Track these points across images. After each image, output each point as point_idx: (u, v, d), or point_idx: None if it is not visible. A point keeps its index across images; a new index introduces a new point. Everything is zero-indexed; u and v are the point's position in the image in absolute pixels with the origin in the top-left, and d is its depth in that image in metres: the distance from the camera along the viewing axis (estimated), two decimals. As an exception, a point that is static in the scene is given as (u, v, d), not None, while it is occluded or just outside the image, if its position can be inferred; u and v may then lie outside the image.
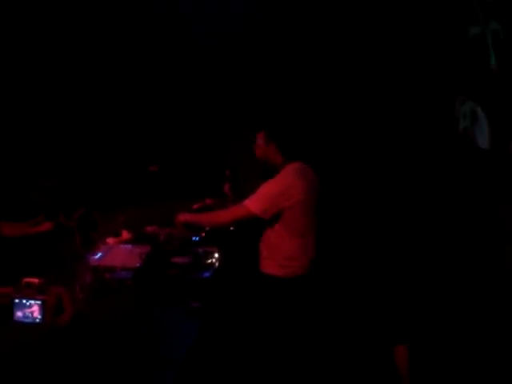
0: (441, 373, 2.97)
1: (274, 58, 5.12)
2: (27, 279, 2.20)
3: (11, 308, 1.56)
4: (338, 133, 4.97)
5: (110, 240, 3.40)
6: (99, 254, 3.10)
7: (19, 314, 1.56)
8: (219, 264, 3.08)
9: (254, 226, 3.16)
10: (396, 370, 3.10)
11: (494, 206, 3.61)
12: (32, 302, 1.55)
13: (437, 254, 3.58)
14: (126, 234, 3.51)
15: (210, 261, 3.09)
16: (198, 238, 3.52)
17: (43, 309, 1.54)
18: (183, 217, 3.22)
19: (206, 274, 2.92)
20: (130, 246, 3.30)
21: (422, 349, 3.08)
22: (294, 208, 2.96)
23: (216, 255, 3.15)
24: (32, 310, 1.55)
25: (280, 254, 3.04)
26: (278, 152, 3.11)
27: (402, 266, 3.58)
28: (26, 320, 1.55)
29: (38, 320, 1.54)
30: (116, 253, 3.17)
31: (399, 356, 3.11)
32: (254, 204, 2.97)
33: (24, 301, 1.55)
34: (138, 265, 2.97)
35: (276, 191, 2.98)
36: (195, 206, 4.09)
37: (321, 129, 4.95)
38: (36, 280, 2.18)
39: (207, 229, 3.63)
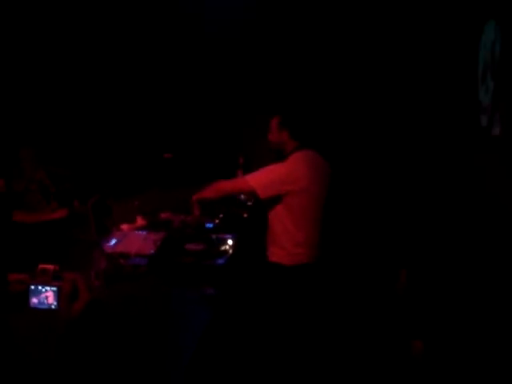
0: (453, 366, 2.98)
1: (291, 45, 5.09)
2: (43, 265, 2.22)
3: (27, 294, 1.58)
4: (351, 122, 4.94)
5: (125, 226, 3.41)
6: (114, 241, 3.12)
7: (35, 300, 1.57)
8: (233, 251, 3.08)
9: (267, 213, 3.16)
10: (411, 363, 3.12)
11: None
12: (47, 288, 1.56)
13: (449, 252, 3.55)
14: (140, 221, 3.53)
15: (223, 248, 3.10)
16: (212, 225, 3.53)
17: (58, 295, 1.55)
18: (195, 196, 3.25)
19: (220, 261, 2.93)
20: (144, 233, 3.32)
21: (437, 343, 3.08)
22: (300, 195, 2.95)
23: (230, 242, 3.15)
24: (47, 296, 1.56)
25: (286, 242, 3.03)
26: (290, 138, 3.10)
27: (414, 258, 3.56)
28: (42, 306, 1.56)
29: (53, 306, 1.55)
30: (130, 239, 3.19)
31: (415, 350, 3.13)
32: (254, 180, 2.97)
33: (39, 287, 1.56)
34: (152, 251, 2.99)
35: (279, 173, 2.97)
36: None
37: (334, 118, 4.92)
38: (51, 266, 2.21)
39: (221, 215, 3.64)
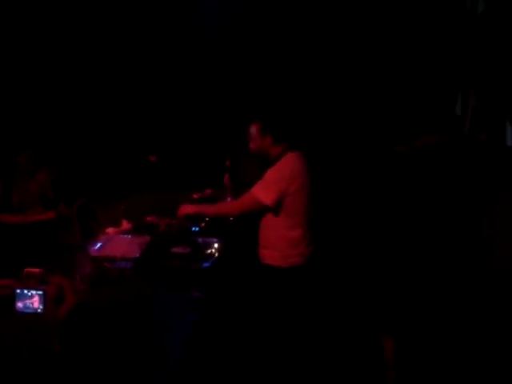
0: (424, 363, 3.03)
1: (270, 50, 5.13)
2: (28, 269, 2.21)
3: (13, 299, 1.57)
4: (333, 122, 4.97)
5: (110, 230, 3.40)
6: (99, 244, 3.10)
7: (20, 304, 1.56)
8: (219, 254, 3.08)
9: (254, 216, 3.16)
10: (383, 360, 3.17)
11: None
12: (33, 292, 1.55)
13: (425, 253, 3.60)
14: (125, 224, 3.51)
15: (209, 251, 3.10)
16: (197, 229, 3.52)
17: (44, 299, 1.54)
18: (187, 209, 3.21)
19: (206, 264, 2.93)
20: (129, 236, 3.31)
21: (408, 341, 3.14)
22: (296, 195, 2.96)
23: (216, 245, 3.15)
24: (33, 300, 1.55)
25: (281, 243, 3.03)
26: (273, 143, 3.09)
27: (393, 263, 3.60)
28: (27, 310, 1.56)
29: (39, 310, 1.55)
30: (116, 243, 3.17)
31: (386, 347, 3.19)
32: (263, 194, 2.95)
33: (25, 291, 1.56)
34: (137, 255, 2.98)
35: (281, 177, 2.97)
36: (195, 196, 4.10)
37: (315, 118, 4.95)
38: (37, 270, 2.19)
39: (207, 219, 3.64)
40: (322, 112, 5.00)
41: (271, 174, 3.01)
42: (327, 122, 4.97)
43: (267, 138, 3.08)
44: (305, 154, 3.15)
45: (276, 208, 2.99)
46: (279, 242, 3.04)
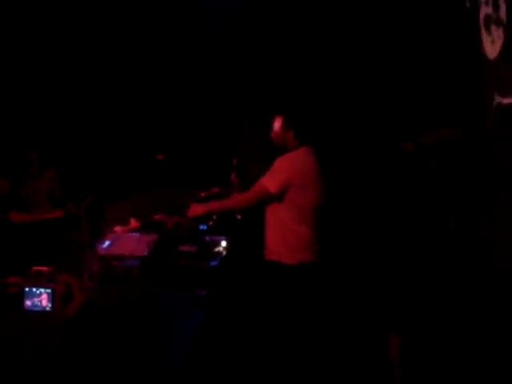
0: (430, 362, 3.02)
1: (274, 49, 5.13)
2: (37, 268, 2.22)
3: (21, 297, 1.58)
4: (353, 120, 4.95)
5: (118, 228, 3.41)
6: (107, 243, 3.11)
7: (28, 302, 1.57)
8: (226, 252, 3.08)
9: (262, 214, 3.15)
10: (389, 359, 3.16)
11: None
12: (42, 290, 1.56)
13: (428, 253, 3.58)
14: (133, 223, 3.52)
15: (217, 249, 3.10)
16: (205, 227, 3.52)
17: (53, 297, 1.55)
18: (197, 210, 3.19)
19: (213, 263, 2.93)
20: (137, 235, 3.31)
21: (413, 338, 3.12)
22: (303, 189, 2.93)
23: (223, 244, 3.15)
24: (41, 298, 1.56)
25: (288, 239, 3.01)
26: (294, 138, 3.10)
27: (399, 262, 3.59)
28: (36, 308, 1.57)
29: (47, 308, 1.56)
30: (124, 241, 3.18)
31: (392, 344, 3.18)
32: (269, 182, 2.94)
33: (34, 289, 1.57)
34: (145, 253, 2.98)
35: (287, 167, 2.96)
36: (202, 195, 4.10)
37: (336, 117, 4.93)
38: (45, 268, 2.21)
39: (214, 217, 3.64)
40: (326, 108, 4.98)
41: (278, 164, 3.01)
42: (330, 118, 4.95)
43: (289, 133, 3.10)
44: (317, 151, 3.15)
45: (280, 197, 2.96)
46: (287, 237, 3.01)
